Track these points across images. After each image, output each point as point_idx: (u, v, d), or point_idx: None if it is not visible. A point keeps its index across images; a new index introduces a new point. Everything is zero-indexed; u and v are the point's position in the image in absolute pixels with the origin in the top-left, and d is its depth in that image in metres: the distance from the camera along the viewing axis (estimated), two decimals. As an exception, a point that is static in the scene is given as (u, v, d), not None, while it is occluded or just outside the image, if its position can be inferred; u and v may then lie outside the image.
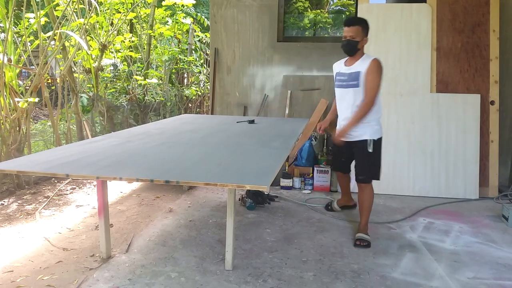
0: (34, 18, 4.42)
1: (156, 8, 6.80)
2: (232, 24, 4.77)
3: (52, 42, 4.71)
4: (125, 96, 6.67)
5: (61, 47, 4.74)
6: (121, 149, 2.48)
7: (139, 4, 6.39)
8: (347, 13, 5.42)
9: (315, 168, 4.30)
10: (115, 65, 6.77)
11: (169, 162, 2.19)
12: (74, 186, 4.27)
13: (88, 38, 5.71)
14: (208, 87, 6.85)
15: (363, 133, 2.97)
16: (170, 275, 2.40)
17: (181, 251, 2.74)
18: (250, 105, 4.84)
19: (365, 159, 3.00)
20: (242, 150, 2.52)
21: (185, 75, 7.88)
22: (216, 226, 3.22)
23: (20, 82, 4.97)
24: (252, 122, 3.76)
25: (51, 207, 3.62)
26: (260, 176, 1.93)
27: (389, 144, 4.21)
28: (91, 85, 5.82)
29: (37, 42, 4.31)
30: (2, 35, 4.54)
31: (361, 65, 2.92)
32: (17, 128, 4.07)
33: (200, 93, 7.56)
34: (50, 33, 4.51)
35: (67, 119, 5.34)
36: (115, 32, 5.82)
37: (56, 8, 4.79)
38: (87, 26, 5.00)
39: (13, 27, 4.46)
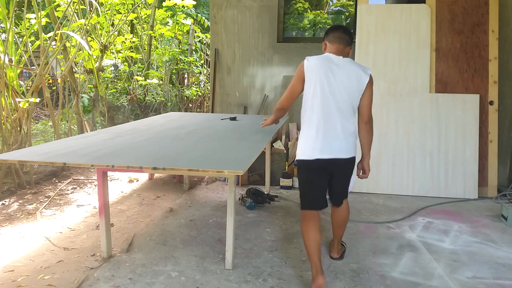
0: (35, 18, 4.44)
1: (156, 9, 6.82)
2: (232, 25, 4.78)
3: (53, 43, 4.73)
4: (126, 97, 6.70)
5: (62, 48, 4.76)
6: (113, 142, 2.67)
7: (140, 5, 6.41)
8: (347, 13, 5.44)
9: (315, 168, 4.31)
10: (116, 66, 6.80)
11: (156, 153, 2.40)
12: (75, 186, 4.28)
13: (89, 38, 5.74)
14: (209, 87, 6.87)
15: None
16: (170, 274, 2.42)
17: (181, 250, 2.76)
18: (250, 105, 4.85)
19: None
20: (223, 143, 2.74)
21: (186, 76, 7.90)
22: (216, 225, 3.23)
23: (21, 83, 4.99)
24: (234, 119, 3.83)
25: (52, 207, 3.64)
26: (237, 163, 2.17)
27: (389, 144, 4.23)
28: (92, 85, 5.85)
29: (38, 42, 4.33)
30: (3, 35, 4.56)
31: None
32: (18, 128, 4.09)
33: (200, 94, 7.59)
34: (51, 34, 4.53)
35: (68, 119, 5.37)
36: (116, 32, 5.84)
37: (57, 9, 4.81)
38: (88, 27, 5.03)
39: (14, 27, 4.48)
